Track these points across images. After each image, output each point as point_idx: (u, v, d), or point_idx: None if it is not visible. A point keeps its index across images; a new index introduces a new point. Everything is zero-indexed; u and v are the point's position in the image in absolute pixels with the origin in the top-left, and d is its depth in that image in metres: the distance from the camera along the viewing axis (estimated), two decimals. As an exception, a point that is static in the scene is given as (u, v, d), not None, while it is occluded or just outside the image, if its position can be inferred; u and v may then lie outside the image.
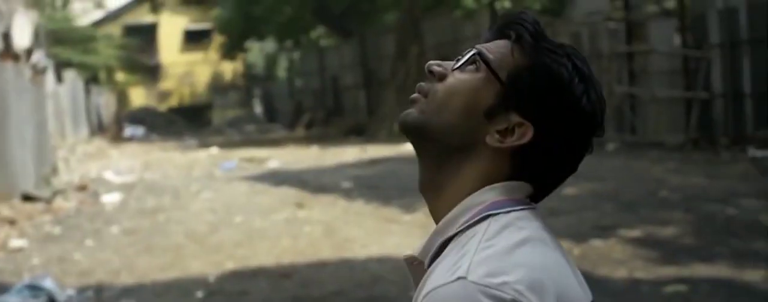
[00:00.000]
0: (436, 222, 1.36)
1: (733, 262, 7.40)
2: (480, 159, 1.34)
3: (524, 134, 1.33)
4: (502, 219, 1.29)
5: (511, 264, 1.22)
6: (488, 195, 1.33)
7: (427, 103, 1.37)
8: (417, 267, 1.38)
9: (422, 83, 1.40)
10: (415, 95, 1.40)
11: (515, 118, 1.33)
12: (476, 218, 1.30)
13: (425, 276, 1.29)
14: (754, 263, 7.35)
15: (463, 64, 1.37)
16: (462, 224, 1.31)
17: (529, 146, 1.33)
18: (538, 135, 1.33)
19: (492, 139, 1.33)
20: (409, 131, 1.40)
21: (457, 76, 1.37)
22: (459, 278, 1.20)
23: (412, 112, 1.39)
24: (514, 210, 1.31)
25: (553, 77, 1.34)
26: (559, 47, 1.37)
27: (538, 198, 1.38)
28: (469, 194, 1.33)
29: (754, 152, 13.74)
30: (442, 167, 1.37)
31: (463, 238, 1.29)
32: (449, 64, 1.39)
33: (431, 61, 1.40)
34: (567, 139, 1.35)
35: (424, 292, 1.24)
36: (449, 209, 1.34)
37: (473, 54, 1.37)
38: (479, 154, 1.34)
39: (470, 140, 1.34)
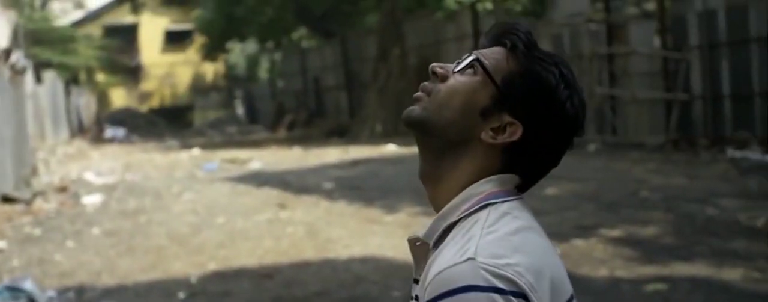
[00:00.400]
0: (436, 208, 1.53)
1: (712, 261, 7.45)
2: (475, 153, 1.51)
3: (514, 133, 1.50)
4: (500, 208, 1.47)
5: (511, 248, 1.40)
6: (486, 186, 1.50)
7: (430, 101, 1.53)
8: (420, 248, 1.53)
9: (426, 83, 1.55)
10: (419, 94, 1.55)
11: (507, 118, 1.50)
12: (477, 207, 1.47)
13: (433, 256, 1.45)
14: (732, 262, 7.40)
15: (463, 67, 1.53)
16: (464, 212, 1.48)
17: (518, 143, 1.50)
18: (527, 134, 1.50)
19: (486, 136, 1.50)
20: (413, 126, 1.55)
21: (457, 78, 1.53)
22: (468, 259, 1.36)
23: (415, 108, 1.54)
24: (508, 200, 1.49)
25: (542, 83, 1.50)
26: (549, 56, 1.54)
27: (524, 189, 1.55)
28: (466, 184, 1.50)
29: (732, 152, 13.81)
30: (442, 160, 1.53)
31: (466, 224, 1.46)
32: (450, 66, 1.55)
33: (434, 64, 1.56)
34: (552, 138, 1.53)
35: (434, 271, 1.39)
36: (448, 197, 1.51)
37: (473, 59, 1.53)
38: (474, 149, 1.51)
39: (467, 136, 1.51)
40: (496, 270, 1.35)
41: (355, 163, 17.33)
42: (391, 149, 20.23)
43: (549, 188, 11.49)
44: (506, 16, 21.32)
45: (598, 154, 16.27)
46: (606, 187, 11.88)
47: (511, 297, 1.34)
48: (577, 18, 18.76)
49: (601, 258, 7.86)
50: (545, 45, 19.69)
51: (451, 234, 1.46)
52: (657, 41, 17.44)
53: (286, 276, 7.91)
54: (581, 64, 17.99)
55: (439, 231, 1.49)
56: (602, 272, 7.37)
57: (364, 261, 8.34)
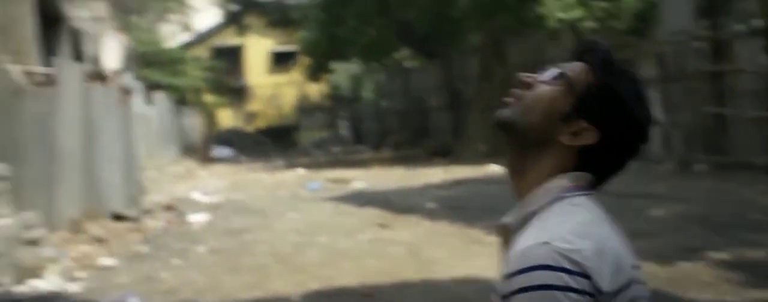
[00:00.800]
0: (519, 199, 1.79)
1: (825, 286, 7.22)
2: (554, 153, 1.76)
3: (589, 137, 1.75)
4: (573, 201, 1.72)
5: (581, 235, 1.64)
6: (562, 182, 1.75)
7: (518, 106, 1.79)
8: (506, 232, 1.79)
9: (515, 90, 1.81)
10: (508, 99, 1.81)
11: (583, 124, 1.75)
12: (554, 199, 1.73)
13: (516, 239, 1.71)
14: None
15: (548, 78, 1.79)
16: (543, 202, 1.73)
17: (592, 146, 1.76)
18: (600, 138, 1.75)
19: (564, 138, 1.76)
20: (502, 127, 1.81)
21: (542, 87, 1.79)
22: (544, 243, 1.62)
23: (505, 111, 1.80)
24: (580, 195, 1.74)
25: (615, 95, 1.76)
26: (623, 72, 1.80)
27: (595, 186, 1.79)
28: (546, 179, 1.76)
29: None
30: (525, 157, 1.78)
31: (545, 213, 1.72)
32: (538, 76, 1.81)
33: (523, 73, 1.82)
34: (621, 143, 1.79)
35: (516, 251, 1.66)
36: (530, 190, 1.76)
37: (557, 71, 1.79)
38: (554, 149, 1.76)
39: (548, 137, 1.76)
40: (566, 253, 1.60)
41: (458, 183, 17.30)
42: (494, 169, 20.12)
43: (654, 210, 11.29)
44: (609, 35, 21.06)
45: (705, 175, 15.93)
46: (713, 208, 11.60)
47: (577, 277, 1.58)
48: (682, 36, 18.41)
49: (708, 281, 7.67)
50: (649, 63, 19.39)
51: (532, 221, 1.72)
52: (764, 59, 16.99)
53: (387, 297, 7.91)
54: (687, 83, 17.63)
55: (522, 218, 1.75)
56: (708, 295, 7.20)
57: (466, 282, 8.30)
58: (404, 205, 14.13)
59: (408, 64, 37.39)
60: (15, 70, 10.50)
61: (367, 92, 43.60)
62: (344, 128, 47.17)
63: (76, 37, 13.41)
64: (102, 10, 15.10)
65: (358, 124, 45.07)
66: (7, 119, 10.11)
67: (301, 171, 23.91)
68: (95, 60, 14.20)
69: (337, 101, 47.69)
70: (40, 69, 11.49)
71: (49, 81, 11.32)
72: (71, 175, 12.06)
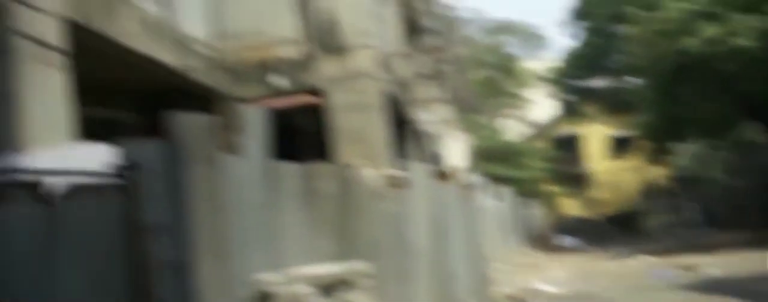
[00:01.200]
0: None
1: None
2: None
3: None
4: None
5: None
6: None
7: None
8: None
9: None
10: None
11: None
12: None
13: None
14: None
15: None
16: None
17: None
18: None
19: None
20: None
21: None
22: None
23: None
24: None
25: None
26: None
27: None
28: None
29: None
30: None
31: None
32: None
33: None
34: None
35: None
36: None
37: None
38: None
39: None
40: None
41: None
42: None
43: None
44: None
45: None
46: None
47: None
48: None
49: None
50: None
51: None
52: None
53: None
54: None
55: None
56: None
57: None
58: (763, 293, 13.47)
59: (756, 138, 35.81)
60: (371, 173, 11.25)
61: (714, 172, 42.12)
62: (692, 211, 45.69)
63: (421, 138, 14.15)
64: (445, 111, 15.85)
65: (706, 205, 43.50)
66: (367, 220, 10.79)
67: (648, 258, 23.40)
68: (440, 159, 14.87)
69: (682, 182, 46.39)
70: (392, 171, 12.22)
71: (401, 183, 12.00)
72: (422, 269, 12.60)
